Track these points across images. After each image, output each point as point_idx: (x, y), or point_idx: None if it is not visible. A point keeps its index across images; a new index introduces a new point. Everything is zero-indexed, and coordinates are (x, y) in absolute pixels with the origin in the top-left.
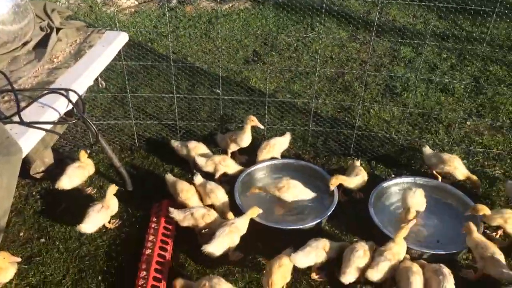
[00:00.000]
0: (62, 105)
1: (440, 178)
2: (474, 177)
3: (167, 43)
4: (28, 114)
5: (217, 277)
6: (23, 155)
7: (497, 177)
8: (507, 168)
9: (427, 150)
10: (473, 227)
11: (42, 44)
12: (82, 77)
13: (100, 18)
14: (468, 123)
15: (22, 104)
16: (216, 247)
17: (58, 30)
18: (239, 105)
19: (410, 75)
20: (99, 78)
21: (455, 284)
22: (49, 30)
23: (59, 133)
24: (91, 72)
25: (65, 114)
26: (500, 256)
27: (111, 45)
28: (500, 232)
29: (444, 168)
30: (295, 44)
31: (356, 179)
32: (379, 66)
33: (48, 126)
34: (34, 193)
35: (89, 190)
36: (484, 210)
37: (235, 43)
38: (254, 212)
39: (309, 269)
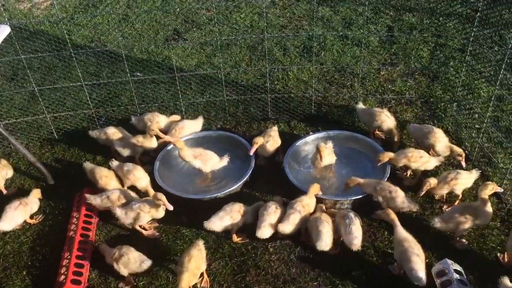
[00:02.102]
0: None
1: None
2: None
3: (85, 32)
4: None
5: (126, 246)
6: None
7: (407, 120)
8: (418, 111)
9: (360, 106)
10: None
11: None
12: None
13: (14, 15)
14: (382, 72)
15: None
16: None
17: None
18: (159, 85)
19: (326, 34)
20: None
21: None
22: None
23: None
24: None
25: None
26: (399, 192)
27: None
28: (409, 171)
29: (376, 123)
30: (216, 17)
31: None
32: (298, 28)
33: None
34: None
35: (10, 189)
36: (388, 155)
37: (155, 24)
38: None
39: (230, 233)
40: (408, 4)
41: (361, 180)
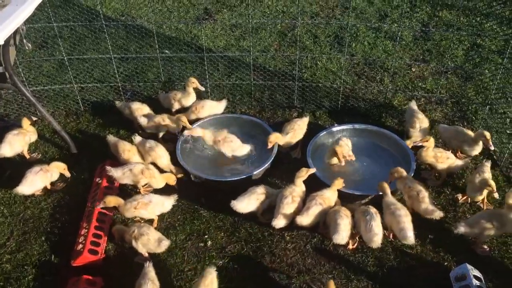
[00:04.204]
0: None
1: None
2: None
3: (116, 5)
4: None
5: (146, 225)
6: None
7: (436, 120)
8: (448, 111)
9: (413, 105)
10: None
11: None
12: None
13: None
14: (413, 69)
15: None
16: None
17: None
18: (187, 64)
19: (359, 24)
20: (24, 40)
21: None
22: None
23: None
24: (1, 31)
25: None
26: (426, 193)
27: (25, 3)
28: (433, 171)
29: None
30: (248, 0)
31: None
32: (330, 17)
33: None
34: None
35: (34, 155)
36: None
37: (186, 2)
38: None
39: (247, 218)
40: (446, 1)
41: (404, 174)
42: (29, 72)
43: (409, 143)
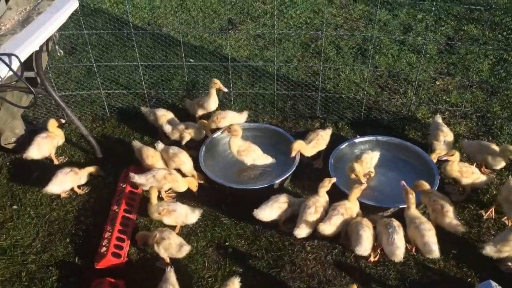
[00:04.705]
0: (3, 70)
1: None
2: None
3: (143, 15)
4: None
5: (168, 230)
6: None
7: (461, 134)
8: (472, 125)
9: (438, 118)
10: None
11: None
12: (26, 43)
13: None
14: (437, 82)
15: None
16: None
17: None
18: (211, 73)
19: (383, 36)
20: (57, 47)
21: None
22: None
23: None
24: (36, 38)
25: (29, 82)
26: (450, 208)
27: (59, 11)
28: (457, 186)
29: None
30: (271, 11)
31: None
32: (353, 29)
33: None
34: (7, 163)
35: (61, 159)
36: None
37: (211, 12)
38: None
39: (268, 227)
40: (471, 15)
41: (427, 188)
42: (58, 77)
43: (433, 157)
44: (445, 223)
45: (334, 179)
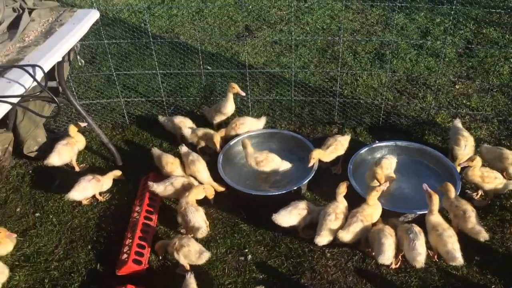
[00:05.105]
0: (28, 81)
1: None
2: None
3: (161, 23)
4: None
5: (187, 237)
6: None
7: (482, 138)
8: (494, 129)
9: (458, 122)
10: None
11: (15, 24)
12: (49, 54)
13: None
14: (457, 86)
15: None
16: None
17: (31, 10)
18: (228, 79)
19: (401, 41)
20: (78, 57)
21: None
22: (21, 11)
23: (42, 114)
24: (59, 49)
25: (51, 92)
26: (473, 213)
27: (80, 22)
28: (479, 192)
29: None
30: (287, 17)
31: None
32: (370, 34)
33: (16, 99)
34: (30, 171)
35: (82, 166)
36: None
37: (227, 19)
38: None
39: (287, 233)
40: (491, 18)
41: (453, 193)
42: (78, 86)
43: (456, 165)
44: (467, 228)
45: (348, 183)
